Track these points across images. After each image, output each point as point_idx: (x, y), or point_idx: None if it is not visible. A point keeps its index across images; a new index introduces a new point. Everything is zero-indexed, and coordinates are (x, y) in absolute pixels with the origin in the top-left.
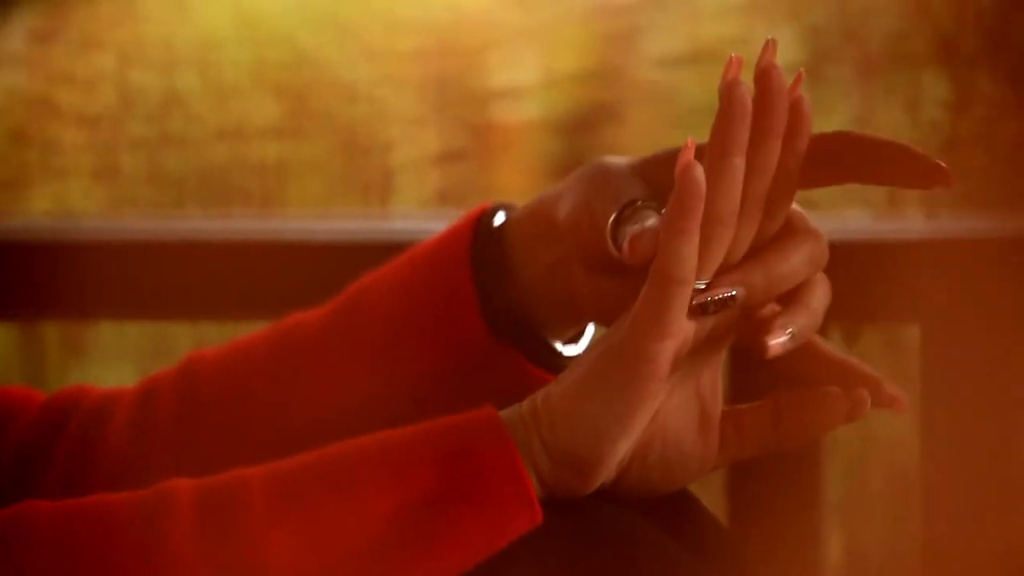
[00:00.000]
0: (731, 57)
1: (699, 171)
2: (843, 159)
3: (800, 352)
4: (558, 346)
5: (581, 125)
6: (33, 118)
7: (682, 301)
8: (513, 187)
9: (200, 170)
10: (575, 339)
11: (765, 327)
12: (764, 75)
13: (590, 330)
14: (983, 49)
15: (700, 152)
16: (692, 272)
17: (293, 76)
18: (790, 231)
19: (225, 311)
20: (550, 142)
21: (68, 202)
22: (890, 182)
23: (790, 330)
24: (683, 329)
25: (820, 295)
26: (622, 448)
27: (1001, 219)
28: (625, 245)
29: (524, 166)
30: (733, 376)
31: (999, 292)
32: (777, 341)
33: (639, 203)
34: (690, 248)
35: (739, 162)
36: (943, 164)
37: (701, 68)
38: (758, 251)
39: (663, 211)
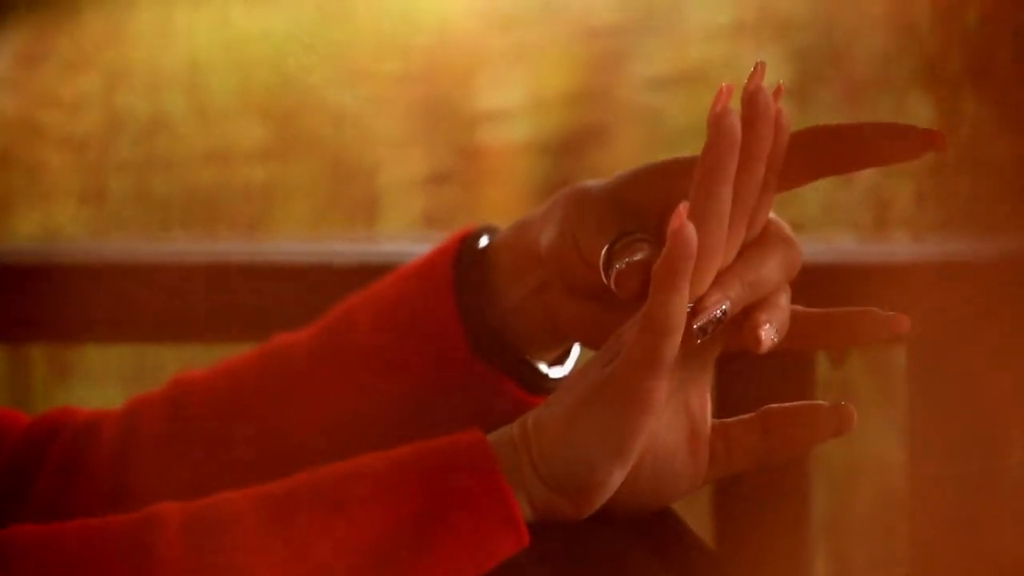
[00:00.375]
0: (722, 87)
1: (691, 232)
2: (820, 153)
3: (791, 327)
4: (543, 368)
5: (568, 147)
6: (19, 140)
7: (674, 344)
8: (500, 209)
9: (186, 193)
10: (560, 360)
11: (752, 324)
12: (751, 98)
13: (575, 352)
14: (968, 71)
15: (690, 164)
16: (683, 319)
17: (279, 99)
18: (764, 238)
19: (212, 333)
20: (537, 164)
21: (54, 224)
22: (880, 161)
23: (774, 324)
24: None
25: (785, 297)
26: (618, 477)
27: (987, 241)
28: (612, 280)
29: (511, 188)
30: (721, 391)
31: (985, 314)
32: (766, 333)
33: (630, 235)
34: (681, 300)
35: (727, 191)
36: (931, 129)
37: (688, 90)
38: (734, 260)
39: (651, 239)
